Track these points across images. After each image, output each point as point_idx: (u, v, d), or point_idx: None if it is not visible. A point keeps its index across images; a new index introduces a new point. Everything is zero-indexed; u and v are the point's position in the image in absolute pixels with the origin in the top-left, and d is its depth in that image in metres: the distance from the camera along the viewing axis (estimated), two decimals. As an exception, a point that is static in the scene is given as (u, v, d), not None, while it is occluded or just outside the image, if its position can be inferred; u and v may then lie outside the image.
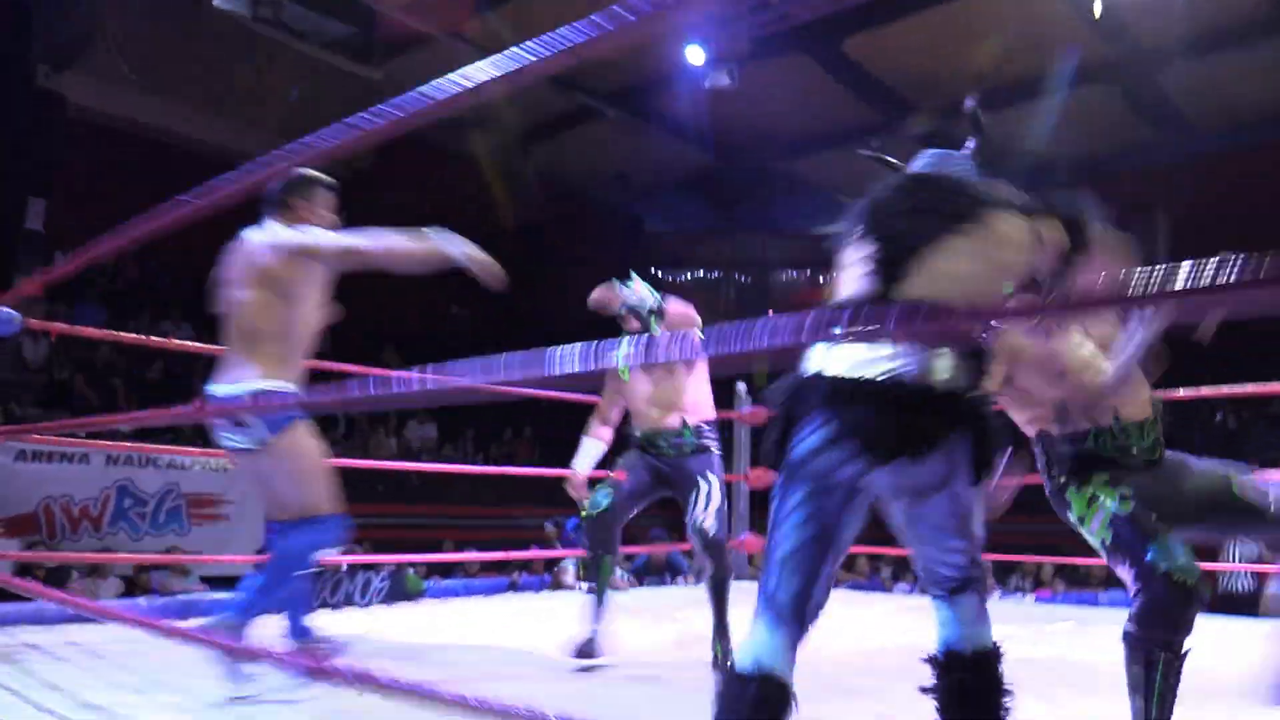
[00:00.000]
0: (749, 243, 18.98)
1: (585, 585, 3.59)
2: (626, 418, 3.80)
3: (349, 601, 6.97)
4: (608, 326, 3.57)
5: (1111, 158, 14.21)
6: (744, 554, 6.19)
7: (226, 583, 7.56)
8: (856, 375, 1.62)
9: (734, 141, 14.86)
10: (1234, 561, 6.69)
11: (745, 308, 19.86)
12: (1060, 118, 13.35)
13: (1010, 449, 2.16)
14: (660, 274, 19.97)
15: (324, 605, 7.59)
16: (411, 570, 7.21)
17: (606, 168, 16.45)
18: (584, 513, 3.60)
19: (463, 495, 11.34)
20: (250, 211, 2.83)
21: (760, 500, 6.19)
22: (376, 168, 12.95)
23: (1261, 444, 12.78)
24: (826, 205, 17.74)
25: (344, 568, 7.20)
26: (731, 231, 18.82)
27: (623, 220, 18.10)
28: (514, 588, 7.64)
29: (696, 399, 3.60)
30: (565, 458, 3.98)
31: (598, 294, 3.61)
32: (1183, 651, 2.02)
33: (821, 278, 20.17)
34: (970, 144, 2.03)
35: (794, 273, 20.28)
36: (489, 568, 8.56)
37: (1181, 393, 5.01)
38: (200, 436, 8.80)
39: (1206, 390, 5.38)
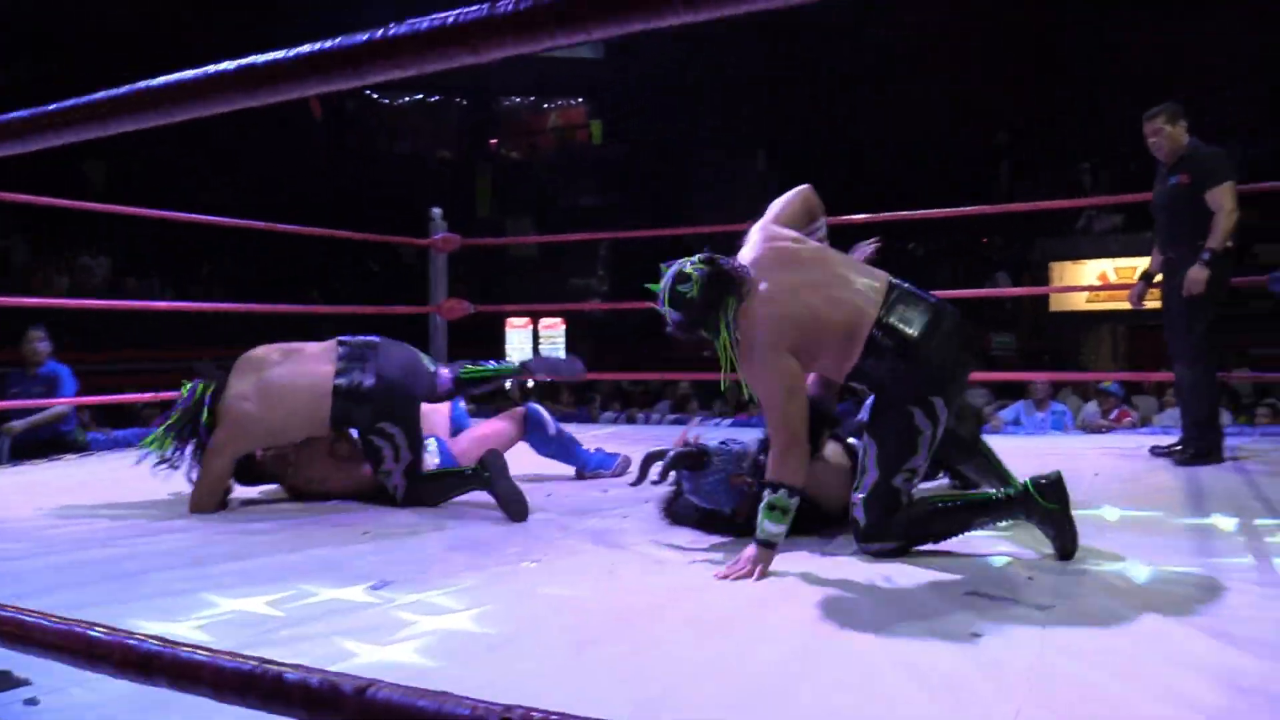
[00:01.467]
0: (471, 64, 17.91)
1: None
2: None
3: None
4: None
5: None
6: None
7: None
8: None
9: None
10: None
11: (471, 131, 19.01)
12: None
13: None
14: (376, 96, 18.63)
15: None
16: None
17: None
18: None
19: (151, 339, 10.29)
20: None
21: (455, 331, 5.87)
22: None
23: (948, 272, 13.83)
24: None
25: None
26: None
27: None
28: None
29: None
30: (263, 295, 3.49)
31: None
32: None
33: (546, 104, 19.54)
34: None
35: (517, 98, 19.51)
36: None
37: (861, 217, 5.13)
38: None
39: (887, 215, 5.54)
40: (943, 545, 2.52)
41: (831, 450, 2.79)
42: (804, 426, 2.39)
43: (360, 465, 3.43)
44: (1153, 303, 4.11)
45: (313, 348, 3.43)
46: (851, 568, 2.37)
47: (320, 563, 2.53)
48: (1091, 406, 7.66)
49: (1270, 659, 1.70)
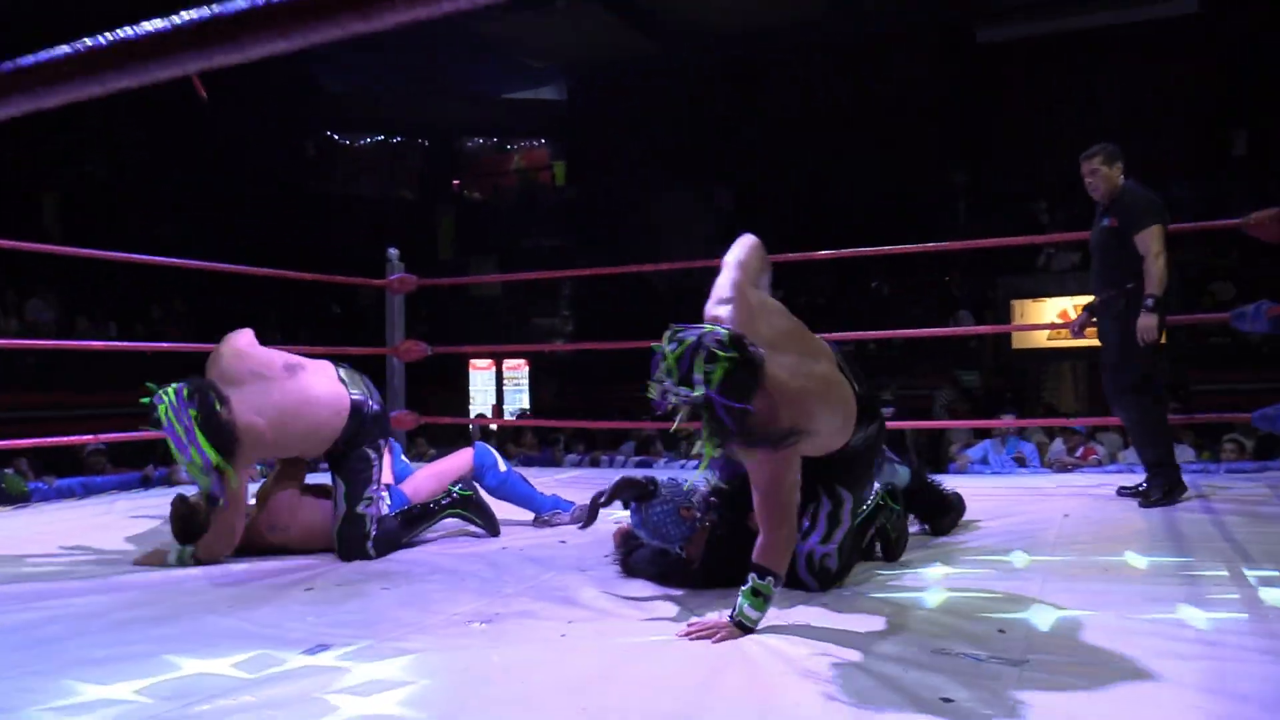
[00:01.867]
0: (433, 106, 17.89)
1: None
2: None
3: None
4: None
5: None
6: (400, 431, 5.72)
7: None
8: None
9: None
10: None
11: (433, 172, 18.94)
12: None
13: None
14: (337, 137, 18.52)
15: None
16: (10, 469, 6.16)
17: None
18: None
19: (98, 380, 10.03)
20: None
21: (413, 374, 5.73)
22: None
23: (911, 308, 13.87)
24: (514, 68, 17.01)
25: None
26: (416, 94, 17.64)
27: (295, 78, 16.40)
28: (146, 483, 6.71)
29: None
30: (221, 336, 3.36)
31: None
32: None
33: (509, 145, 19.53)
34: None
35: (479, 139, 19.48)
36: (121, 460, 7.58)
37: (825, 254, 5.09)
38: None
39: (850, 251, 5.52)
40: (910, 591, 2.44)
41: None
42: (794, 517, 2.31)
43: (320, 510, 3.28)
44: (1093, 340, 4.13)
45: (311, 363, 3.28)
46: (811, 626, 2.24)
47: (257, 623, 2.38)
48: (1058, 444, 7.65)
49: (1261, 717, 1.61)
